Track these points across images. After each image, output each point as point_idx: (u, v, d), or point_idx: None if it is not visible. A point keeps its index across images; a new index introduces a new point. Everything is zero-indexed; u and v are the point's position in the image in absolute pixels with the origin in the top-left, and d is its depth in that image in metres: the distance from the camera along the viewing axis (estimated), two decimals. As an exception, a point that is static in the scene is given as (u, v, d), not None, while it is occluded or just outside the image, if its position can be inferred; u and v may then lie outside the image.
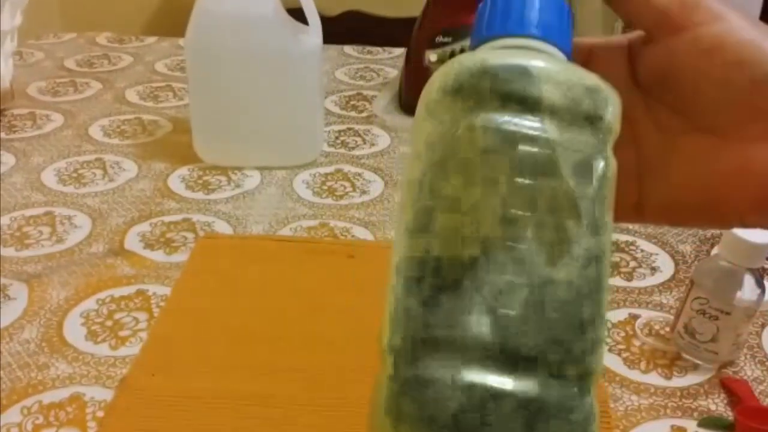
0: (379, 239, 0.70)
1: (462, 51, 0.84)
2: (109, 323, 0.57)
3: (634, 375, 0.54)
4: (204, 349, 0.54)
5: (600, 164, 0.23)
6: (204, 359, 0.53)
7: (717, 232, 0.68)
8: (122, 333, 0.56)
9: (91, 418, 0.48)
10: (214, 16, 0.75)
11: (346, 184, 0.79)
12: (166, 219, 0.72)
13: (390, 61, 1.17)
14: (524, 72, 0.23)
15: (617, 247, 0.70)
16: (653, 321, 0.60)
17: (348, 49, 1.22)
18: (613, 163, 0.24)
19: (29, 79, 1.05)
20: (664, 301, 0.62)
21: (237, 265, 0.64)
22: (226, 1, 0.74)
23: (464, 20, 0.89)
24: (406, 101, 0.98)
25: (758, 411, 0.50)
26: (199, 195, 0.76)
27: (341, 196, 0.77)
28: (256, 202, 0.76)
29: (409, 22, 0.98)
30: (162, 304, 0.59)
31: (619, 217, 0.28)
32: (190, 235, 0.69)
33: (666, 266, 0.68)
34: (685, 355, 0.56)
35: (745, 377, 0.54)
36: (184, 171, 0.81)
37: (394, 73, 1.11)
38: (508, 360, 0.22)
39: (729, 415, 0.51)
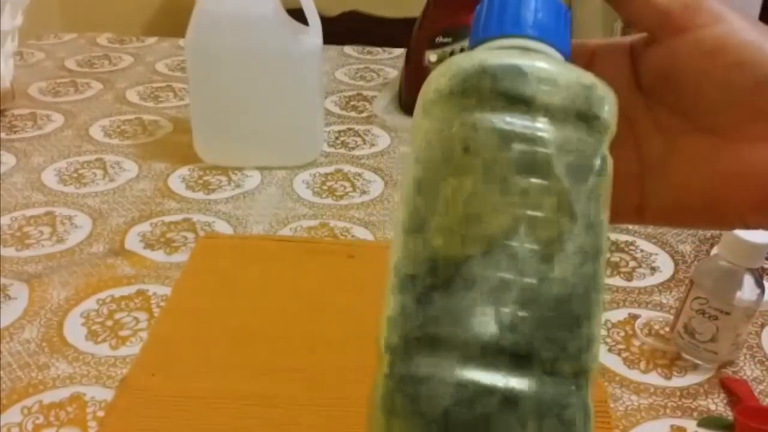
0: (379, 239, 0.70)
1: (462, 51, 0.84)
2: (109, 323, 0.57)
3: (634, 375, 0.54)
4: (204, 349, 0.54)
5: (596, 162, 0.23)
6: (204, 359, 0.53)
7: (717, 232, 0.68)
8: (122, 333, 0.56)
9: (91, 417, 0.48)
10: (214, 17, 0.75)
11: (346, 184, 0.80)
12: (167, 219, 0.72)
13: (390, 61, 1.17)
14: (520, 71, 0.23)
15: (617, 247, 0.70)
16: (653, 321, 0.60)
17: (348, 49, 1.22)
18: (610, 161, 0.24)
19: (30, 80, 1.05)
20: (664, 301, 0.62)
21: (237, 265, 0.65)
22: (226, 1, 0.74)
23: (464, 20, 0.89)
24: (406, 101, 0.98)
25: (758, 411, 0.50)
26: (200, 195, 0.76)
27: (341, 196, 0.77)
28: (257, 202, 0.76)
29: (409, 22, 0.98)
30: (162, 304, 0.59)
31: (620, 218, 0.28)
32: (190, 235, 0.69)
33: (666, 266, 0.68)
34: (684, 355, 0.56)
35: (745, 377, 0.54)
36: (184, 171, 0.81)
37: (394, 73, 1.11)
38: (504, 357, 0.22)
39: (729, 415, 0.51)
